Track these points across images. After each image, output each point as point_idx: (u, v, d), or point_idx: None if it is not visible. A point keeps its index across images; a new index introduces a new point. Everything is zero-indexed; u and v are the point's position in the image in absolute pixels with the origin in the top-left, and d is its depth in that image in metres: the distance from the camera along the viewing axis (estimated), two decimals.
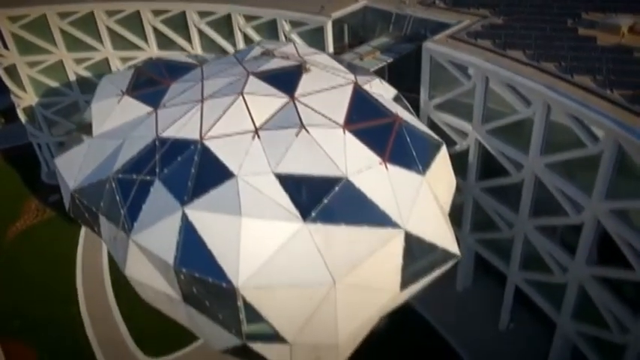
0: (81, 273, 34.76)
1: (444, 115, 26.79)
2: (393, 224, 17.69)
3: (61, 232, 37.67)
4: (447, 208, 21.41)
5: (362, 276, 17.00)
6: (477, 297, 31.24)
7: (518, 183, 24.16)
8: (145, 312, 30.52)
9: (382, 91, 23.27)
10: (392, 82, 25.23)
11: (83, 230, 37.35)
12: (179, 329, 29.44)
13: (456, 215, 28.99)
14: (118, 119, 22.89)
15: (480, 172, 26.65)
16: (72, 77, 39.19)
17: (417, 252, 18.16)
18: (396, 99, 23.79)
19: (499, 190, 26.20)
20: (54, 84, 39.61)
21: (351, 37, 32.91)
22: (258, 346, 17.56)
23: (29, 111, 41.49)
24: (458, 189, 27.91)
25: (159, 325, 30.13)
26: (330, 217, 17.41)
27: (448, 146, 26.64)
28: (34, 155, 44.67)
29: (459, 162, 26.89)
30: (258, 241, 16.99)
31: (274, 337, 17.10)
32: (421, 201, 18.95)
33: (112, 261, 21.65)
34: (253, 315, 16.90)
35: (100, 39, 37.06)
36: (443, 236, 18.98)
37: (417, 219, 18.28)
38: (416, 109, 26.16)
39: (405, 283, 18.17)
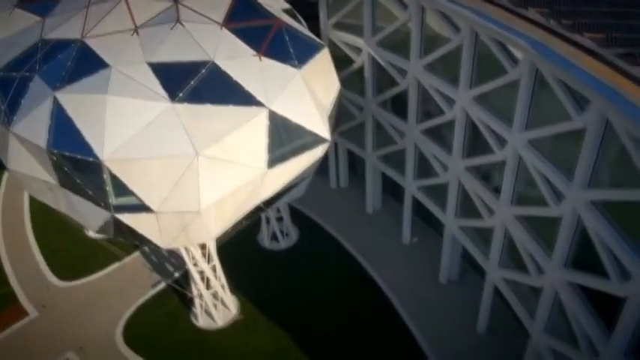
0: (1, 202, 35.09)
1: (341, 34, 27.82)
2: (258, 103, 18.62)
3: None
4: (329, 107, 22.39)
5: (225, 150, 17.90)
6: (385, 216, 32.66)
7: (404, 91, 25.36)
8: (61, 241, 31.37)
9: (271, 2, 24.04)
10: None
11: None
12: (91, 257, 30.47)
13: (360, 135, 30.36)
14: (7, 29, 23.13)
15: (375, 88, 27.79)
16: None
17: (283, 132, 19.13)
18: (289, 12, 24.57)
19: (393, 105, 27.44)
20: None
21: None
22: (126, 217, 18.38)
23: None
24: (359, 108, 29.27)
25: (73, 252, 30.89)
26: (196, 97, 18.26)
27: (347, 65, 28.08)
28: None
29: (358, 80, 28.23)
30: (125, 118, 17.74)
31: (141, 207, 17.95)
32: (292, 90, 19.92)
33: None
34: (120, 187, 17.71)
35: None
36: (312, 121, 20.01)
37: (285, 103, 19.25)
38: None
39: (272, 162, 19.14)
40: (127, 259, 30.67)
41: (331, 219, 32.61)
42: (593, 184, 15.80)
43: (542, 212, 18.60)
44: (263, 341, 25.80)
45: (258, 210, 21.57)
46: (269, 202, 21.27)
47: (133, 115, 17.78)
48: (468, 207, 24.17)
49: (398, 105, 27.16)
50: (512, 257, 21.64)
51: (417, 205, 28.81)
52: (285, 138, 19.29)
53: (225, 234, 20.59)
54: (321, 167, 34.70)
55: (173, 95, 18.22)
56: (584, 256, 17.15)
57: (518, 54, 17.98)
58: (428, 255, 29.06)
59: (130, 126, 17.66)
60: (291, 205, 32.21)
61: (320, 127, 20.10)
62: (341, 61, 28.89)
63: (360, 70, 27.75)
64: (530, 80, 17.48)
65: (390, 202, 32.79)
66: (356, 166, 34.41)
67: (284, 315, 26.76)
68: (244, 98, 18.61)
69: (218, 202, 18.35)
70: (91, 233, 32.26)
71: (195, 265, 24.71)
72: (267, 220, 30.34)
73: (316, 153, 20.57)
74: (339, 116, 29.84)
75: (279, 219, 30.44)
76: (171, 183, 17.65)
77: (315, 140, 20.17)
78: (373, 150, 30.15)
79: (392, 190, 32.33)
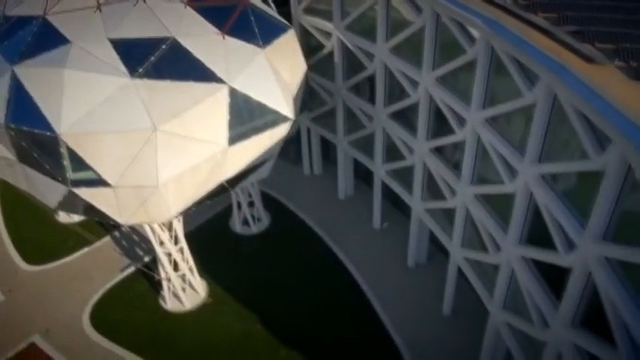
0: None
1: (312, 19, 27.95)
2: (218, 80, 18.68)
3: None
4: (294, 87, 22.49)
5: (184, 125, 17.95)
6: (356, 203, 32.90)
7: (372, 75, 25.56)
8: (31, 226, 31.18)
9: None
10: None
11: None
12: (61, 242, 30.33)
13: (332, 121, 30.54)
14: None
15: (345, 73, 27.95)
16: None
17: (244, 110, 19.21)
18: None
19: (362, 89, 27.64)
20: None
21: None
22: (83, 192, 18.35)
23: None
24: (330, 93, 29.42)
25: (43, 238, 30.72)
26: (155, 72, 18.27)
27: (318, 50, 28.23)
28: None
29: (329, 65, 28.38)
30: (83, 93, 17.70)
31: (98, 181, 17.93)
32: (255, 68, 20.00)
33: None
34: (77, 161, 17.68)
35: None
36: (275, 100, 20.11)
37: (246, 80, 19.34)
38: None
39: (233, 139, 19.21)
40: (97, 244, 30.58)
41: (303, 205, 32.76)
42: (544, 159, 16.08)
43: (499, 190, 18.90)
44: (230, 324, 25.86)
45: (222, 189, 21.60)
46: (233, 182, 21.29)
47: (91, 89, 17.74)
48: (433, 189, 24.44)
49: (367, 89, 27.37)
50: (474, 237, 21.93)
51: (388, 191, 29.03)
52: (246, 115, 19.37)
53: (187, 211, 20.54)
54: (295, 154, 35.34)
55: (132, 71, 18.20)
56: (537, 232, 17.45)
57: (476, 34, 18.24)
58: (398, 240, 29.28)
59: (88, 100, 17.63)
60: (264, 191, 32.38)
61: (282, 105, 20.19)
62: (312, 47, 29.15)
63: (331, 55, 27.89)
64: (487, 59, 17.74)
65: (362, 188, 32.99)
66: (330, 153, 34.56)
67: (252, 299, 26.85)
68: (205, 75, 18.65)
69: (177, 178, 18.38)
70: (62, 218, 32.14)
71: (162, 246, 24.69)
72: (239, 206, 30.39)
73: (279, 132, 20.65)
74: (310, 101, 30.23)
75: (251, 204, 30.48)
76: (129, 158, 17.65)
77: (278, 118, 20.26)
78: (344, 135, 30.31)
79: (364, 177, 32.54)
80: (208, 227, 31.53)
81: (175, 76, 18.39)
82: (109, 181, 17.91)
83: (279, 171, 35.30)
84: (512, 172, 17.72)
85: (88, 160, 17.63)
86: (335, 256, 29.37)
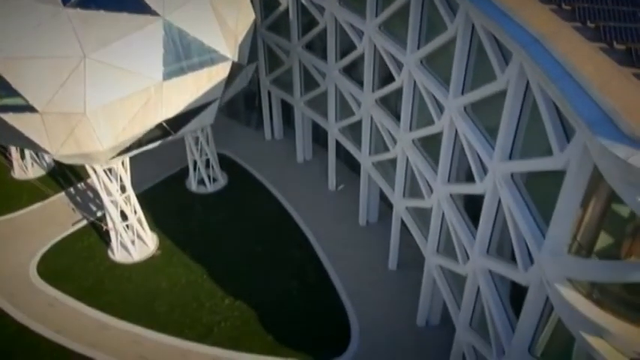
0: None
1: None
2: (153, 12, 18.69)
3: None
4: (240, 35, 22.51)
5: (115, 55, 17.99)
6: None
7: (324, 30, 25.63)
8: None
9: None
10: None
11: None
12: (14, 197, 30.18)
13: (290, 82, 30.59)
14: None
15: (299, 31, 27.99)
16: None
17: (180, 45, 19.24)
18: None
19: (316, 47, 27.71)
20: None
21: None
22: (11, 118, 18.28)
23: None
24: (286, 52, 29.46)
25: None
26: (89, 2, 18.24)
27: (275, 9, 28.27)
28: None
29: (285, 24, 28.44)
30: (13, 19, 17.67)
31: (25, 107, 17.86)
32: (195, 6, 20.06)
33: None
34: (4, 87, 17.61)
35: None
36: (214, 39, 20.16)
37: (184, 16, 19.43)
38: None
39: (168, 74, 19.23)
40: (52, 199, 30.49)
41: (262, 167, 32.83)
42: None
43: (429, 131, 19.03)
44: (177, 274, 25.91)
45: (164, 133, 21.64)
46: (174, 124, 21.31)
47: (22, 16, 17.70)
48: (379, 143, 24.58)
49: (320, 46, 27.43)
50: (415, 186, 22.06)
51: (347, 155, 29.20)
52: (182, 51, 19.39)
53: (127, 152, 20.53)
54: (257, 120, 35.43)
55: (66, 0, 18.17)
56: (461, 169, 17.62)
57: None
58: (352, 201, 29.36)
59: (18, 26, 17.60)
60: (224, 154, 32.65)
61: (222, 45, 20.24)
62: (269, 6, 29.18)
63: (287, 12, 27.91)
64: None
65: (321, 152, 33.06)
66: (291, 118, 34.60)
67: (202, 252, 26.92)
68: (139, 7, 18.70)
69: (107, 108, 18.36)
70: (17, 175, 32.03)
71: (109, 194, 24.67)
72: (195, 165, 30.41)
73: (218, 72, 20.67)
74: (269, 63, 30.27)
75: (208, 165, 30.60)
76: (57, 84, 17.64)
77: (216, 58, 20.29)
78: (301, 95, 30.38)
79: (324, 142, 32.57)
80: (164, 186, 31.58)
81: (109, 6, 18.41)
82: (37, 106, 17.88)
83: (240, 135, 35.70)
84: (441, 108, 17.87)
85: (16, 86, 17.60)
86: (288, 215, 29.45)
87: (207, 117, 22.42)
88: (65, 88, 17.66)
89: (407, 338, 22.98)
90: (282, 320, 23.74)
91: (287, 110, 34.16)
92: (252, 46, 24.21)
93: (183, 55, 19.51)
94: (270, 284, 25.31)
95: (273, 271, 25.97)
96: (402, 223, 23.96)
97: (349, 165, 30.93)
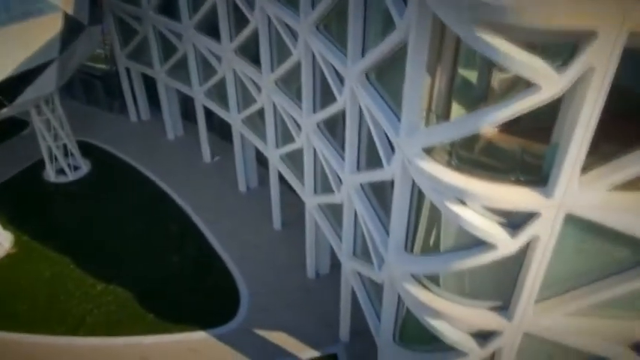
0: None
1: None
2: None
3: None
4: None
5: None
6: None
7: None
8: None
9: None
10: None
11: None
12: None
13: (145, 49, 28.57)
14: None
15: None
16: None
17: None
18: None
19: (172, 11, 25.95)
20: None
21: None
22: None
23: None
24: (138, 20, 27.45)
25: None
26: None
27: None
28: None
29: None
30: None
31: None
32: None
33: None
34: None
35: None
36: None
37: None
38: None
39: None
40: None
41: (130, 150, 30.49)
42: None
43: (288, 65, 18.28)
44: (38, 269, 23.07)
45: None
46: (7, 93, 18.67)
47: None
48: (247, 99, 23.54)
49: (173, 6, 25.74)
50: (286, 134, 21.20)
51: (221, 125, 27.79)
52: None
53: None
54: (121, 104, 32.89)
55: None
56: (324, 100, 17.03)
57: None
58: (230, 171, 28.12)
59: None
60: (87, 141, 30.27)
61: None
62: None
63: None
64: None
65: (192, 128, 31.35)
66: (156, 97, 32.43)
67: (66, 242, 24.27)
68: None
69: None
70: None
71: None
72: (50, 153, 27.39)
73: (49, 25, 18.38)
74: (123, 36, 28.05)
75: (66, 153, 27.77)
76: None
77: (44, 7, 17.99)
78: (161, 65, 28.48)
79: (194, 117, 30.90)
80: (17, 180, 28.22)
81: None
82: None
83: (102, 121, 33.03)
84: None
85: None
86: (163, 193, 27.56)
87: (47, 84, 19.97)
88: None
89: (298, 294, 22.26)
90: (166, 298, 21.97)
91: (152, 89, 31.95)
92: (94, 7, 22.04)
93: (1, 4, 17.03)
94: (148, 263, 23.36)
95: (151, 250, 24.02)
96: (280, 176, 23.14)
97: (224, 136, 29.56)
